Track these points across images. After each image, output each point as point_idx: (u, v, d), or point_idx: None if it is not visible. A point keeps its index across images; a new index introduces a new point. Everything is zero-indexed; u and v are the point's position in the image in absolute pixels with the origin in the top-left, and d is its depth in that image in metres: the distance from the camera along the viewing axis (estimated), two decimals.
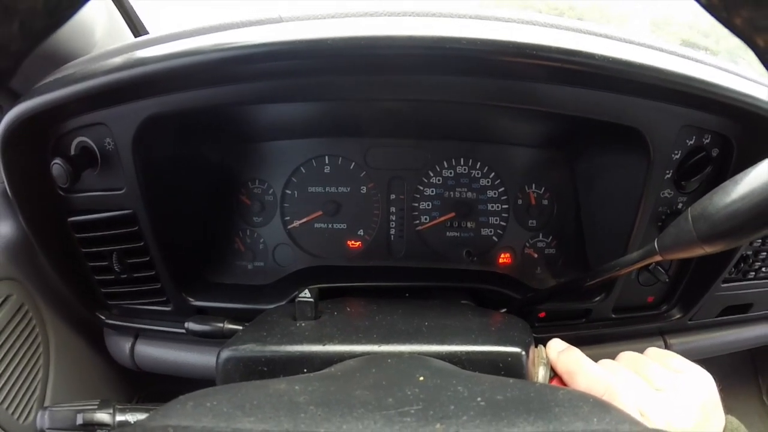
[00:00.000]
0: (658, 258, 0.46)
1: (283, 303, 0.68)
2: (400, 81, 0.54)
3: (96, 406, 0.49)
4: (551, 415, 0.30)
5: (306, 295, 0.50)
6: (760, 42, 0.18)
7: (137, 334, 0.77)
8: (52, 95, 0.55)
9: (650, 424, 0.38)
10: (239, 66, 0.51)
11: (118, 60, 0.54)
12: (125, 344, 0.77)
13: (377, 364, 0.40)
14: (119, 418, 0.49)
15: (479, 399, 0.32)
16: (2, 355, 0.64)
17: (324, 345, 0.44)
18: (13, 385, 0.66)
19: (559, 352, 0.48)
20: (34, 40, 0.18)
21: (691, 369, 0.44)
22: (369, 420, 0.29)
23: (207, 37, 0.53)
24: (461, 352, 0.44)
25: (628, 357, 0.47)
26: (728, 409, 0.43)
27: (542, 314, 0.72)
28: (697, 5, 0.18)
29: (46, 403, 0.71)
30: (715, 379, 0.43)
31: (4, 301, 0.66)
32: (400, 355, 0.42)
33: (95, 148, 0.61)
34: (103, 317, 0.74)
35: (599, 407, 0.31)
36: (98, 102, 0.57)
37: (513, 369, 0.43)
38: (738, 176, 0.38)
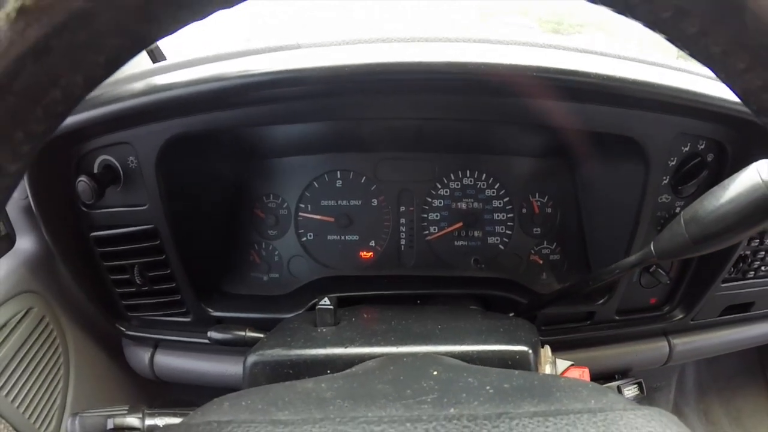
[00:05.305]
0: (654, 260, 0.48)
1: (301, 312, 0.70)
2: (411, 101, 0.57)
3: (126, 411, 0.52)
4: (553, 398, 0.33)
5: (326, 302, 0.53)
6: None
7: (156, 344, 0.79)
8: (78, 117, 0.58)
9: None
10: (262, 90, 0.54)
11: (142, 84, 0.57)
12: (145, 354, 0.79)
13: (394, 363, 0.43)
14: (149, 422, 0.51)
15: (488, 387, 0.35)
16: (24, 366, 0.67)
17: (346, 348, 0.47)
18: (35, 394, 0.68)
19: None
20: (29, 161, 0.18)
21: None
22: (391, 408, 0.32)
23: (230, 63, 0.56)
24: (473, 351, 0.46)
25: None
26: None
27: None
28: None
29: (66, 412, 0.73)
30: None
31: (26, 314, 0.68)
32: (415, 354, 0.45)
33: (118, 165, 0.63)
34: (123, 328, 0.76)
35: (597, 391, 0.35)
36: (123, 123, 0.59)
37: (521, 367, 0.46)
38: (726, 181, 0.40)
